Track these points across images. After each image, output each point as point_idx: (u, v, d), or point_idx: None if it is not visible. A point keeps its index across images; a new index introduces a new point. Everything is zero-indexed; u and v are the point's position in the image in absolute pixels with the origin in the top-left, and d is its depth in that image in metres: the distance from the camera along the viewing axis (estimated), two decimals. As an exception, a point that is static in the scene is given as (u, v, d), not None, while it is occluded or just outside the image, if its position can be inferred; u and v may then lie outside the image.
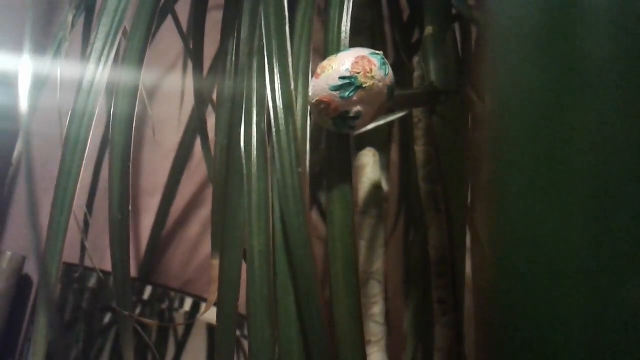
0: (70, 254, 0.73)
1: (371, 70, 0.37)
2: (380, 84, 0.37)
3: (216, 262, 0.39)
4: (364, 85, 0.36)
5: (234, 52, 0.43)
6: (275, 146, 0.36)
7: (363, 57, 0.37)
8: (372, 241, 0.68)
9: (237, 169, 0.38)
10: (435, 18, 0.44)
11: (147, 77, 0.41)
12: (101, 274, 0.60)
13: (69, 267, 0.70)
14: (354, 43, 0.65)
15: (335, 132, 0.38)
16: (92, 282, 0.72)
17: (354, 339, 0.35)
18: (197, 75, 0.50)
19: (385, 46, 0.67)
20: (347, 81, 0.36)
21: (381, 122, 0.66)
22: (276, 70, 0.38)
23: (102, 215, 0.77)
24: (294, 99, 0.38)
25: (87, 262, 0.68)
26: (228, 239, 0.37)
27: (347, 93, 0.36)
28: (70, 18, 0.48)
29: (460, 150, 0.40)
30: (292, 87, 0.38)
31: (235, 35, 0.43)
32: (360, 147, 0.72)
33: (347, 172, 0.38)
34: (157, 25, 0.49)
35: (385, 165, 0.72)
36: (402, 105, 0.40)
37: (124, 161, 0.38)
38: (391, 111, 0.60)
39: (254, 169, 0.36)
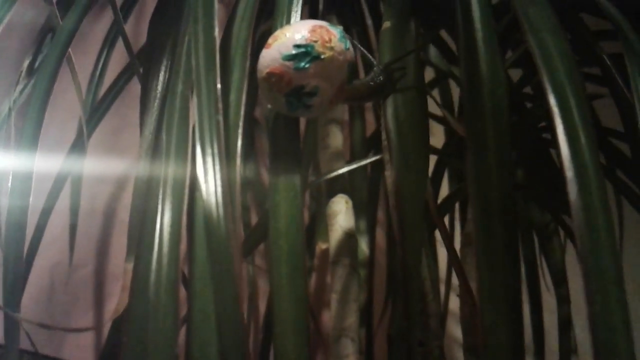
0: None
1: (330, 40, 0.31)
2: (340, 58, 0.32)
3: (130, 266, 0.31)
4: (321, 56, 0.31)
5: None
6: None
7: (321, 27, 0.32)
8: (345, 293, 0.60)
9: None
10: (393, 12, 0.40)
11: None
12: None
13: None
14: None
15: (288, 113, 0.32)
16: None
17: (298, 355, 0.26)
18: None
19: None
20: (303, 49, 0.31)
21: (355, 166, 0.60)
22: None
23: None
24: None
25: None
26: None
27: (303, 63, 0.31)
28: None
29: (420, 143, 0.34)
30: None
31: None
32: (332, 194, 0.66)
33: (294, 158, 0.31)
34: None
35: (371, 227, 0.66)
36: (356, 95, 0.34)
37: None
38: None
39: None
